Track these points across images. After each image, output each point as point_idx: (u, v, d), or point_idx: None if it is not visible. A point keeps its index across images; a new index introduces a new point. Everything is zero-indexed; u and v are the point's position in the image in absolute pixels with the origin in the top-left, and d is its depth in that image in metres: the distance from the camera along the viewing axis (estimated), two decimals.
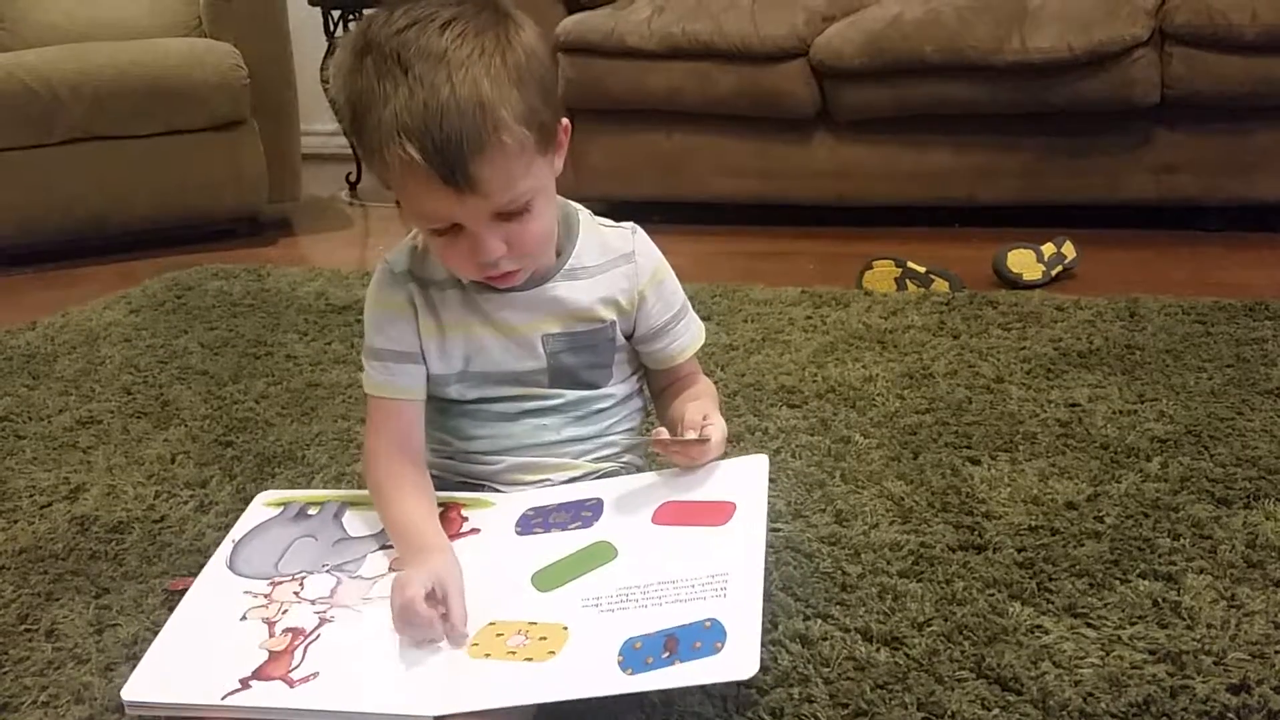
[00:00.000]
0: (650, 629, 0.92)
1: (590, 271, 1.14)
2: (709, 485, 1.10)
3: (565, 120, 1.07)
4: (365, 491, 1.16)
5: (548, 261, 1.12)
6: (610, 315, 1.14)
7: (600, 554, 1.03)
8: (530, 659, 0.92)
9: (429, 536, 1.06)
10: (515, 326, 1.12)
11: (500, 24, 1.00)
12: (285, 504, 1.17)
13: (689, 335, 1.20)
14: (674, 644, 0.90)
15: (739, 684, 1.02)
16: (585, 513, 1.09)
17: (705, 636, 0.90)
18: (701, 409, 1.12)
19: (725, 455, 1.13)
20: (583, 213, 1.17)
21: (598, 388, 1.16)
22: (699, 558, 1.00)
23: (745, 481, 1.09)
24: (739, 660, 0.88)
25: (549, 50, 1.06)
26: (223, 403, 1.85)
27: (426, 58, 0.96)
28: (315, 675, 0.93)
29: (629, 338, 1.17)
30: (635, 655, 0.90)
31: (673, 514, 1.07)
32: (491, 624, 0.97)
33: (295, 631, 0.99)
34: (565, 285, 1.12)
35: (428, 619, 0.96)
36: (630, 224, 1.19)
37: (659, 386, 1.24)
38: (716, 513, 1.06)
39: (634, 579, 0.99)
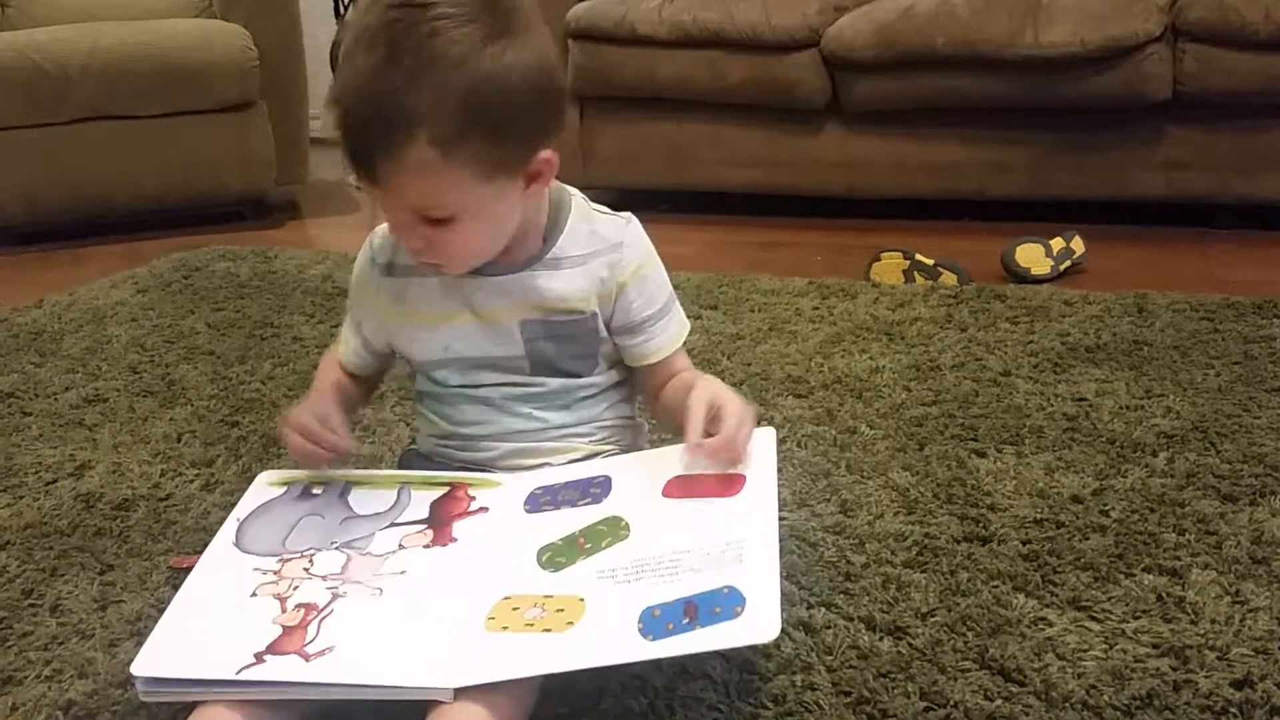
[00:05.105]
0: (668, 597, 0.92)
1: (574, 261, 1.11)
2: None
3: (547, 153, 1.02)
4: (368, 471, 1.17)
5: (531, 249, 1.11)
6: (592, 306, 1.12)
7: (612, 527, 1.03)
8: (549, 630, 0.92)
9: (320, 380, 1.23)
10: (493, 311, 1.11)
11: (492, 38, 0.96)
12: (288, 483, 1.17)
13: (666, 335, 1.16)
14: (693, 610, 0.90)
15: (742, 670, 1.03)
16: (594, 489, 1.09)
17: (724, 602, 0.90)
18: (705, 395, 1.06)
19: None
20: (577, 198, 1.15)
21: (581, 376, 1.15)
22: (712, 527, 1.00)
23: (754, 454, 1.08)
24: (760, 623, 0.87)
25: (548, 74, 1.01)
26: (229, 383, 1.85)
27: (395, 43, 0.95)
28: (331, 649, 0.93)
29: (607, 327, 1.15)
30: (655, 622, 0.90)
31: (683, 487, 1.06)
32: (507, 598, 0.97)
33: (308, 607, 0.98)
34: (545, 274, 1.11)
35: (313, 431, 1.11)
36: (627, 214, 1.16)
37: (650, 386, 1.19)
38: (727, 485, 1.05)
39: (648, 551, 0.99)
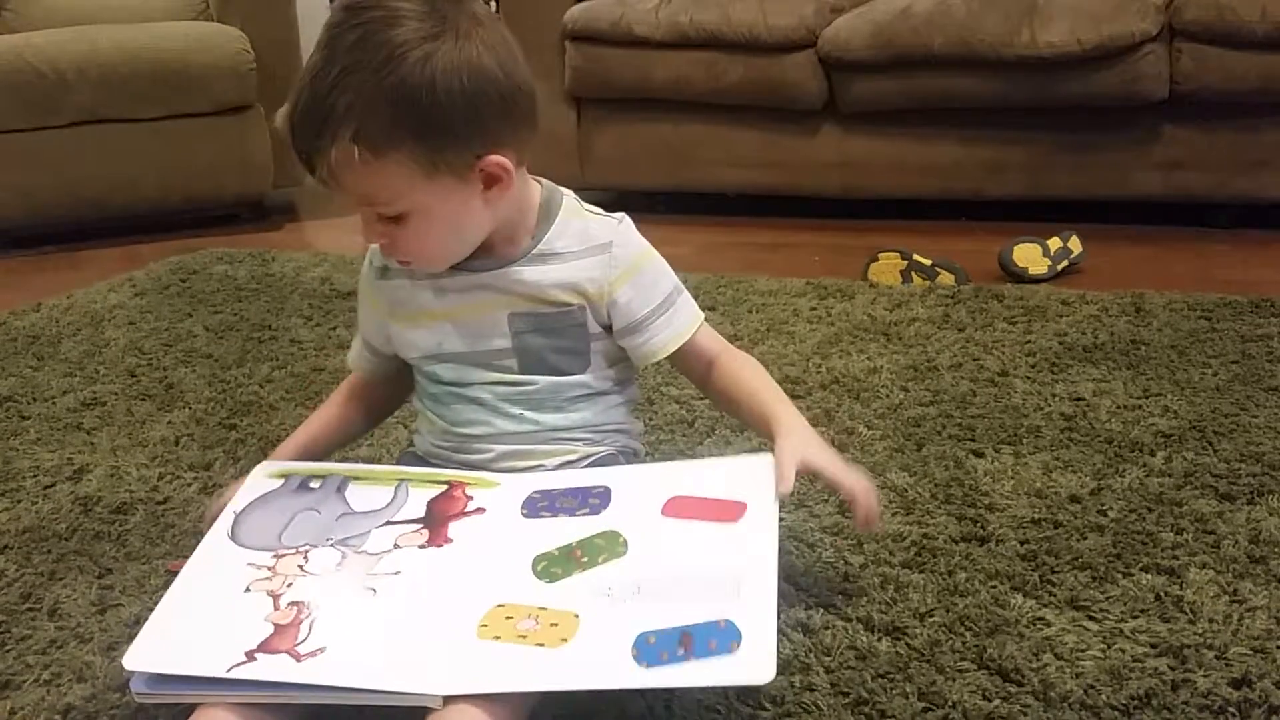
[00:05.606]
0: (664, 624, 0.92)
1: (562, 257, 1.12)
2: (719, 482, 1.10)
3: (498, 158, 1.03)
4: (367, 466, 1.17)
5: (520, 248, 1.11)
6: (578, 300, 1.12)
7: (610, 543, 1.03)
8: (542, 644, 0.92)
9: (304, 425, 1.26)
10: (483, 305, 1.12)
11: (425, 41, 0.98)
12: (286, 476, 1.16)
13: (670, 330, 1.15)
14: (689, 641, 0.90)
15: None
16: (593, 500, 1.08)
17: (720, 636, 0.90)
18: (793, 457, 1.07)
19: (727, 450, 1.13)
20: (569, 197, 1.15)
21: (570, 375, 1.15)
22: (712, 555, 1.00)
23: (755, 481, 1.08)
24: (756, 664, 0.88)
25: (487, 78, 1.01)
26: (227, 386, 1.85)
27: (334, 43, 0.99)
28: (322, 650, 0.93)
29: (608, 329, 1.15)
30: (650, 650, 0.90)
31: (683, 508, 1.06)
32: (500, 606, 0.97)
33: (301, 605, 0.98)
34: (531, 269, 1.11)
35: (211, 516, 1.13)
36: (620, 214, 1.16)
37: (690, 372, 1.21)
38: (727, 511, 1.05)
39: (645, 572, 0.99)
